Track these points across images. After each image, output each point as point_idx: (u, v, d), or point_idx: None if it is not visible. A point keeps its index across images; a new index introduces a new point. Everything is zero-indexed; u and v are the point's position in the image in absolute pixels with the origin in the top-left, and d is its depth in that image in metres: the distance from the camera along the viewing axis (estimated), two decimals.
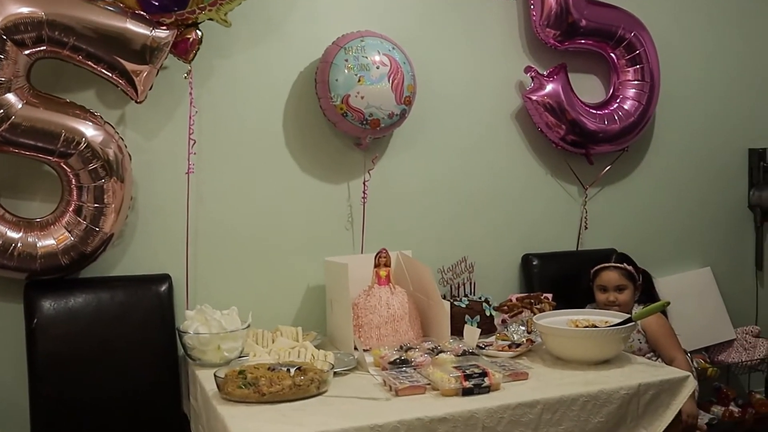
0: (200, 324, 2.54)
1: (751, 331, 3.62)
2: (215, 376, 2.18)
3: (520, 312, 2.85)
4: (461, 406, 2.08)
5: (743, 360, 3.53)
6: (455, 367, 2.26)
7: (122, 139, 2.61)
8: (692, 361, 3.18)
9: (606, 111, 3.31)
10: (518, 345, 2.62)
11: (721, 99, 3.73)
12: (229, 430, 1.93)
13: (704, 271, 3.66)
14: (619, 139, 3.33)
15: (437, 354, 2.47)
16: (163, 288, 2.70)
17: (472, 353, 2.47)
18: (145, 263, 2.76)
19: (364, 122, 2.83)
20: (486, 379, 2.19)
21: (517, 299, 2.94)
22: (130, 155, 2.62)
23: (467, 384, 2.17)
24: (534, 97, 3.19)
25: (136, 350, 2.61)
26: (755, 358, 3.51)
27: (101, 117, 2.56)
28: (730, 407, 3.41)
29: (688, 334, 3.29)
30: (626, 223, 3.55)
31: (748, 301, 3.84)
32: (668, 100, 3.50)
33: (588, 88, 3.40)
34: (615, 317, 2.63)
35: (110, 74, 2.50)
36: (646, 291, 3.14)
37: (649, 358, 2.93)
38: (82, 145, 2.46)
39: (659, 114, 3.50)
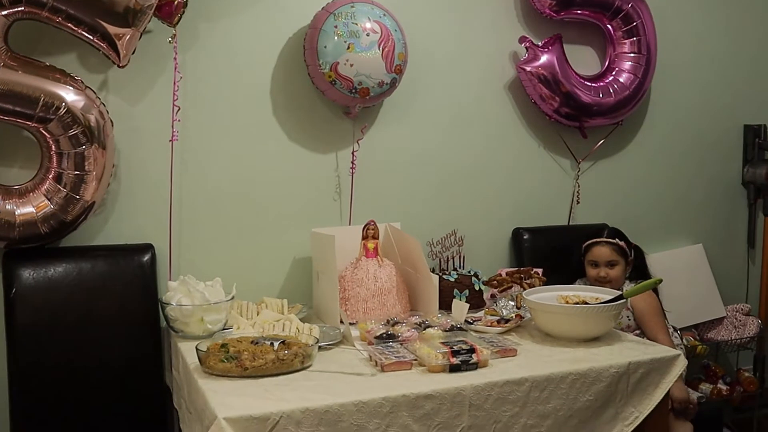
0: (183, 295, 2.48)
1: (741, 309, 3.59)
2: (197, 349, 2.13)
3: (510, 287, 2.81)
4: (448, 383, 2.04)
5: (733, 338, 3.50)
6: (443, 343, 2.22)
7: (104, 105, 2.54)
8: (682, 338, 3.15)
9: (601, 84, 3.25)
10: (507, 320, 2.58)
11: (717, 74, 3.68)
12: (209, 404, 1.88)
13: (696, 248, 3.63)
14: (613, 112, 3.27)
15: (425, 329, 2.42)
16: (146, 258, 2.65)
17: (460, 328, 2.43)
18: (127, 233, 2.70)
19: (353, 91, 2.76)
20: (474, 355, 2.15)
21: (506, 274, 2.90)
22: (112, 121, 2.55)
23: (454, 360, 2.12)
24: (528, 68, 3.12)
25: (117, 321, 2.57)
26: (745, 336, 3.49)
27: (82, 81, 2.49)
28: (719, 385, 3.39)
29: (679, 311, 3.26)
30: (618, 198, 3.50)
31: (739, 279, 3.82)
32: (664, 74, 3.44)
33: (583, 60, 3.33)
34: (605, 294, 2.60)
35: (91, 37, 2.42)
36: (637, 267, 3.10)
37: (637, 335, 2.90)
38: (62, 110, 2.38)
39: (654, 88, 3.44)
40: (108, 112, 2.53)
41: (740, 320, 3.54)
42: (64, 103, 2.38)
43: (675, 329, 3.11)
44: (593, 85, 3.23)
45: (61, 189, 2.45)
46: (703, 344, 3.34)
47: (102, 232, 2.69)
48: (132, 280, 2.61)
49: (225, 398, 1.91)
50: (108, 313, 2.56)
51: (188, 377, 2.20)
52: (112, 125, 2.54)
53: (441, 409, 2.01)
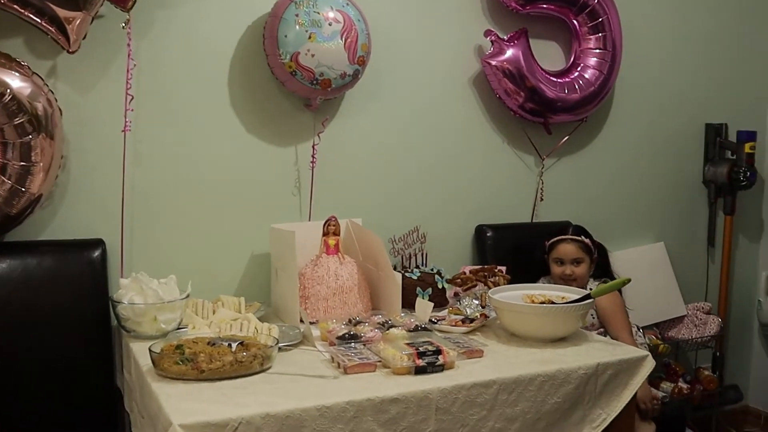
0: (135, 293, 2.37)
1: (702, 308, 3.59)
2: (150, 350, 2.02)
3: (474, 285, 2.75)
4: (414, 386, 1.96)
5: (694, 336, 3.50)
6: (408, 344, 2.15)
7: (52, 93, 2.41)
8: (644, 337, 3.13)
9: (566, 79, 3.20)
10: (472, 320, 2.52)
11: (681, 72, 3.67)
12: (164, 409, 1.78)
13: (658, 246, 3.62)
14: (578, 108, 3.23)
15: (388, 329, 2.34)
16: (96, 254, 2.52)
17: (425, 329, 2.36)
18: (76, 227, 2.57)
19: (315, 82, 2.67)
20: (440, 357, 2.08)
21: (470, 272, 2.84)
22: (61, 110, 2.42)
23: (420, 362, 2.05)
24: (493, 62, 3.06)
25: (65, 320, 2.44)
26: (706, 335, 3.48)
27: (29, 67, 2.35)
28: (679, 383, 3.37)
29: (641, 309, 3.24)
30: (582, 196, 3.46)
31: (699, 278, 3.82)
32: (628, 72, 3.40)
33: (548, 55, 3.28)
34: (572, 293, 2.55)
35: (39, 20, 2.30)
36: (601, 265, 3.07)
37: (600, 334, 2.87)
38: (7, 97, 2.24)
39: (618, 86, 3.41)
40: (57, 100, 2.41)
41: (701, 319, 3.54)
42: (8, 90, 2.24)
43: (638, 328, 3.09)
44: (558, 80, 3.18)
45: (6, 181, 2.31)
46: (665, 343, 3.33)
47: (49, 227, 2.56)
48: (81, 277, 2.49)
49: (180, 403, 1.81)
50: (55, 311, 2.43)
51: (141, 380, 2.09)
52: (61, 114, 2.42)
53: (407, 413, 1.93)
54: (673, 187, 3.72)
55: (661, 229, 3.68)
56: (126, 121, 2.56)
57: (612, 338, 2.81)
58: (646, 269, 3.47)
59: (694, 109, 3.72)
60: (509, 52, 3.07)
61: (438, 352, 2.09)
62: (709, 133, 3.75)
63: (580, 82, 3.20)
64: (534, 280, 3.06)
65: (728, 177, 3.66)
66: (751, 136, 3.62)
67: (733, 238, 3.82)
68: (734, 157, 3.68)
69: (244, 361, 2.00)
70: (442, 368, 2.07)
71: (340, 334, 2.28)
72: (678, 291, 3.58)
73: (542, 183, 3.34)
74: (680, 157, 3.72)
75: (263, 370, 2.05)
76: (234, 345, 2.06)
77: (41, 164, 2.34)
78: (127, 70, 2.54)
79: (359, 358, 2.09)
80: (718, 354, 3.69)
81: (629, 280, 2.38)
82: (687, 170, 3.75)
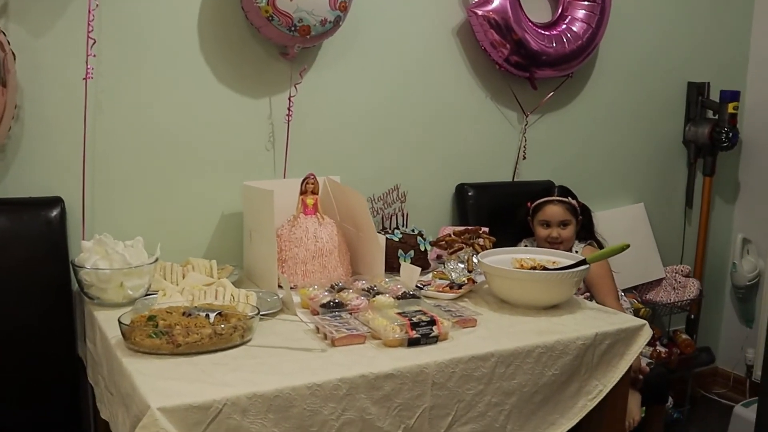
0: (100, 257, 2.17)
1: (681, 271, 3.52)
2: (120, 322, 1.84)
3: (460, 248, 2.61)
4: (409, 360, 1.83)
5: (673, 299, 3.43)
6: (398, 313, 2.00)
7: (4, 34, 2.17)
8: (627, 301, 3.05)
9: (554, 32, 3.05)
10: (459, 285, 2.39)
11: (666, 29, 3.53)
12: (138, 390, 1.61)
13: (638, 207, 3.53)
14: (565, 63, 3.08)
15: (374, 296, 2.20)
16: (54, 213, 2.32)
17: (413, 296, 2.22)
18: (32, 184, 2.35)
19: (293, 28, 2.47)
20: (434, 327, 1.94)
21: (454, 233, 2.70)
22: (14, 54, 2.19)
23: (414, 333, 1.91)
24: (479, 12, 2.89)
25: (21, 286, 2.26)
26: (685, 298, 3.42)
27: None
28: (657, 347, 3.31)
29: (621, 272, 3.14)
30: (563, 154, 3.34)
31: (675, 240, 3.75)
32: (613, 28, 3.24)
33: (536, 6, 3.11)
34: (562, 257, 2.44)
35: None
36: (586, 226, 2.96)
37: (586, 298, 2.77)
38: None
39: (604, 42, 3.25)
40: (9, 43, 2.17)
41: (680, 282, 3.48)
42: None
43: (622, 292, 3.00)
44: (546, 33, 3.03)
45: None
46: (645, 307, 3.25)
47: (2, 183, 2.34)
48: (38, 238, 2.29)
49: (156, 382, 1.64)
50: (10, 276, 2.24)
51: (108, 353, 1.91)
52: (14, 59, 2.18)
53: (402, 390, 1.80)
54: (653, 146, 3.61)
55: (640, 190, 3.59)
56: (87, 68, 2.33)
57: (598, 303, 2.72)
58: (626, 231, 3.36)
59: (676, 66, 3.60)
60: (496, 2, 2.89)
61: (432, 322, 1.95)
62: (691, 92, 3.65)
63: (568, 35, 3.05)
64: (515, 242, 2.95)
65: (710, 137, 3.57)
66: (734, 95, 3.53)
67: (710, 200, 3.75)
68: (716, 117, 3.59)
69: (223, 334, 1.84)
70: (436, 340, 1.94)
71: (324, 301, 2.12)
72: (657, 253, 3.51)
73: (525, 140, 3.20)
74: (662, 115, 3.61)
75: (244, 343, 1.89)
76: (212, 316, 1.89)
77: None
78: (89, 11, 2.30)
79: (347, 329, 1.94)
80: (693, 317, 3.64)
81: (627, 246, 2.26)
82: (668, 129, 3.65)
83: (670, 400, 3.30)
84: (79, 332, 2.36)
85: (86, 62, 2.32)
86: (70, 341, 2.34)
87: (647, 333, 2.21)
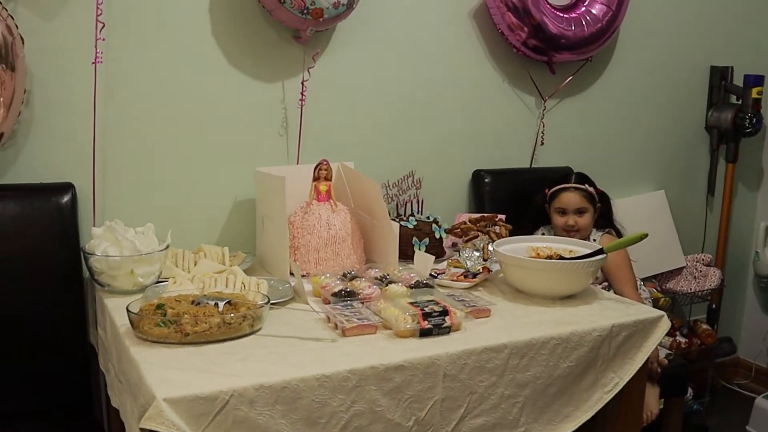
0: (110, 244, 2.15)
1: (702, 260, 3.46)
2: (128, 311, 1.82)
3: (476, 236, 2.56)
4: (420, 351, 1.79)
5: (694, 289, 3.37)
6: (410, 303, 1.97)
7: (12, 18, 2.14)
8: (647, 291, 2.99)
9: (573, 15, 2.97)
10: (474, 274, 2.35)
11: (688, 12, 3.43)
12: (145, 380, 1.59)
13: (658, 194, 3.46)
14: (584, 46, 3.00)
15: (386, 284, 2.16)
16: (65, 200, 2.30)
17: (426, 284, 2.18)
18: (43, 170, 2.33)
19: (305, 11, 2.42)
20: (447, 318, 1.91)
21: (470, 221, 2.65)
22: (23, 38, 2.16)
23: (426, 324, 1.88)
24: None
25: (32, 272, 2.24)
26: (706, 288, 3.35)
27: None
28: (677, 338, 3.26)
29: (640, 260, 3.08)
30: (583, 140, 3.27)
31: (697, 227, 3.68)
32: (633, 10, 3.16)
33: None
34: (579, 246, 2.39)
35: None
36: (604, 214, 2.90)
37: (604, 288, 2.73)
38: None
39: (624, 25, 3.17)
40: (17, 27, 2.14)
41: (701, 271, 3.41)
42: None
43: (641, 281, 2.95)
44: (565, 15, 2.96)
45: None
46: (665, 296, 3.19)
47: (12, 169, 2.31)
48: (49, 225, 2.27)
49: (164, 372, 1.62)
50: (21, 262, 2.22)
51: (117, 342, 1.90)
52: (23, 43, 2.16)
53: (413, 381, 1.77)
54: (675, 132, 3.54)
55: (661, 176, 3.51)
56: (97, 52, 2.30)
57: (616, 293, 2.68)
58: (646, 218, 3.31)
59: (699, 50, 3.51)
60: None
61: (444, 312, 1.92)
62: (714, 77, 3.56)
63: (588, 17, 2.98)
64: (532, 230, 2.90)
65: (733, 123, 3.48)
66: (758, 80, 3.43)
67: (733, 187, 3.67)
68: (740, 102, 3.50)
69: (232, 323, 1.82)
70: (448, 330, 1.91)
71: (336, 290, 2.09)
72: (678, 241, 3.44)
73: (543, 126, 3.14)
74: (683, 101, 3.53)
75: (253, 332, 1.87)
76: (221, 304, 1.86)
77: (1, 99, 2.09)
78: None
79: (358, 319, 1.91)
80: (714, 306, 3.57)
81: (646, 236, 2.21)
82: (690, 115, 3.57)
83: (690, 391, 3.25)
84: (90, 319, 2.34)
85: (95, 46, 2.29)
86: (82, 328, 2.33)
87: (665, 324, 2.16)
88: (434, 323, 1.89)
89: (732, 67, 3.55)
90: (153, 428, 1.51)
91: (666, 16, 3.37)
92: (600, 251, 2.26)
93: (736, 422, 3.50)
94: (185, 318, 1.78)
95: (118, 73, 2.39)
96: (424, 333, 1.88)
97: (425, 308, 1.92)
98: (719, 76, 3.55)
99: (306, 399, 1.65)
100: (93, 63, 2.31)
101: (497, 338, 1.90)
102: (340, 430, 1.70)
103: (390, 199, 2.70)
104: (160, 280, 2.20)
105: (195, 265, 2.34)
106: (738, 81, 3.52)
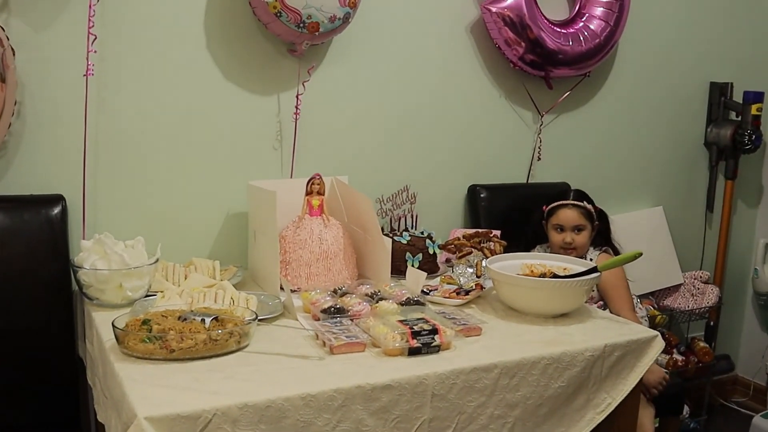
0: (98, 257, 2.14)
1: (700, 277, 3.43)
2: (113, 326, 1.80)
3: (469, 252, 2.54)
4: (408, 371, 1.77)
5: (691, 306, 3.34)
6: (400, 321, 1.94)
7: (3, 30, 2.14)
8: (643, 309, 2.96)
9: (570, 30, 2.96)
10: (467, 291, 2.33)
11: (687, 27, 3.43)
12: (128, 397, 1.57)
13: (656, 211, 3.44)
14: (582, 62, 2.99)
15: (377, 301, 2.14)
16: (55, 212, 2.28)
17: (417, 302, 2.16)
18: (33, 182, 2.32)
19: (301, 25, 2.41)
20: (436, 337, 1.88)
21: (464, 237, 2.63)
22: (13, 50, 2.15)
23: (415, 343, 1.85)
24: (494, 9, 2.81)
25: (21, 285, 2.22)
26: (704, 305, 3.33)
27: None
28: (674, 355, 3.23)
29: (637, 277, 3.06)
30: (580, 156, 3.25)
31: (695, 244, 3.65)
32: (632, 25, 3.16)
33: (552, 4, 3.02)
34: (574, 264, 2.37)
35: None
36: (602, 232, 2.88)
37: (600, 307, 2.70)
38: None
39: (622, 40, 3.16)
40: (8, 38, 2.13)
41: (698, 288, 3.38)
42: None
43: (638, 299, 2.92)
44: (562, 31, 2.95)
45: None
46: (662, 314, 3.17)
47: (2, 181, 2.30)
48: (39, 236, 2.25)
49: (147, 390, 1.60)
50: (10, 274, 2.20)
51: (103, 357, 1.88)
52: (14, 54, 2.15)
53: (400, 401, 1.74)
54: (674, 148, 3.52)
55: (659, 193, 3.49)
56: (88, 64, 2.29)
57: (612, 312, 2.65)
58: (644, 235, 3.29)
59: (698, 66, 3.50)
60: None
61: (434, 331, 1.89)
62: (713, 93, 3.54)
63: (585, 33, 2.97)
64: (529, 246, 2.88)
65: (732, 139, 3.46)
66: (758, 96, 3.42)
67: (732, 204, 3.65)
68: (739, 118, 3.48)
69: (218, 340, 1.80)
70: (438, 349, 1.88)
71: (325, 306, 2.07)
72: (676, 258, 3.42)
73: (540, 141, 3.12)
74: (682, 117, 3.52)
75: (240, 349, 1.85)
76: (208, 320, 1.84)
77: None
78: (90, 6, 2.25)
79: (346, 337, 1.89)
80: (712, 324, 3.54)
81: (640, 254, 2.18)
82: (689, 131, 3.55)
83: (687, 409, 3.22)
84: (79, 332, 2.32)
85: (87, 58, 2.28)
86: (70, 341, 2.31)
87: (659, 345, 2.13)
88: (423, 342, 1.86)
89: (732, 83, 3.54)
90: None
91: (665, 32, 3.36)
92: (594, 269, 2.24)
93: None
94: (171, 334, 1.76)
95: (110, 85, 2.37)
96: (413, 352, 1.85)
97: (414, 326, 1.90)
98: (719, 92, 3.53)
99: (291, 418, 1.62)
100: (84, 75, 2.29)
101: (487, 358, 1.87)
102: None
103: (384, 214, 2.68)
104: (149, 293, 2.18)
105: (185, 278, 2.32)
106: (738, 97, 3.51)
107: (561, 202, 2.79)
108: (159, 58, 2.44)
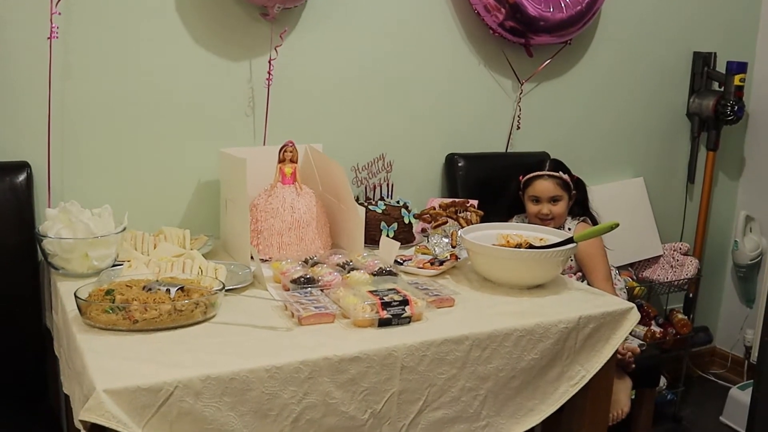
0: (63, 226, 2.08)
1: (680, 248, 3.41)
2: (76, 296, 1.75)
3: (445, 222, 2.50)
4: (377, 343, 1.73)
5: (670, 278, 3.32)
6: (370, 292, 1.91)
7: None
8: (621, 280, 2.94)
9: None
10: (441, 261, 2.29)
11: None
12: (87, 370, 1.53)
13: (637, 181, 3.41)
14: (563, 29, 2.94)
15: (348, 271, 2.10)
16: (20, 179, 2.23)
17: (390, 272, 2.12)
18: None
19: None
20: (407, 308, 1.85)
21: (440, 206, 2.59)
22: None
23: (385, 314, 1.82)
24: None
25: None
26: (683, 277, 3.31)
27: None
28: (652, 327, 3.21)
29: (617, 248, 3.03)
30: (560, 125, 3.21)
31: (675, 216, 3.63)
32: None
33: None
34: (551, 234, 2.33)
35: None
36: (579, 201, 2.84)
37: (578, 278, 2.68)
38: None
39: (605, 7, 3.10)
40: None
41: (678, 260, 3.37)
42: None
43: (616, 270, 2.90)
44: None
45: None
46: (641, 285, 3.15)
47: None
48: (3, 205, 2.20)
49: (108, 361, 1.56)
50: None
51: (67, 328, 1.83)
52: None
53: (368, 373, 1.71)
54: (655, 118, 3.48)
55: (640, 163, 3.46)
56: (52, 27, 2.21)
57: (589, 283, 2.63)
58: (624, 206, 3.26)
59: (682, 35, 3.45)
60: None
61: (405, 302, 1.86)
62: (696, 63, 3.50)
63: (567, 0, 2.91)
64: (507, 216, 2.84)
65: (714, 110, 3.42)
66: (741, 67, 3.38)
67: (713, 176, 3.62)
68: (722, 89, 3.44)
69: (183, 310, 1.75)
70: (408, 320, 1.85)
71: (295, 276, 2.03)
72: (656, 229, 3.40)
73: (519, 110, 3.08)
74: (665, 86, 3.47)
75: (206, 320, 1.81)
76: (173, 290, 1.80)
77: None
78: None
79: (315, 307, 1.85)
80: (690, 296, 3.53)
81: (617, 225, 2.15)
82: (671, 101, 3.51)
83: (664, 380, 3.21)
84: (46, 303, 2.27)
85: (50, 20, 2.20)
86: (37, 312, 2.26)
87: (635, 317, 2.10)
88: (393, 313, 1.83)
89: (715, 53, 3.49)
90: (93, 420, 1.44)
91: (648, 0, 3.31)
92: (570, 240, 2.20)
93: (711, 413, 3.47)
94: (134, 305, 1.72)
95: (75, 49, 2.30)
96: (383, 323, 1.82)
97: (385, 297, 1.86)
98: (702, 62, 3.49)
99: (255, 391, 1.59)
100: (48, 38, 2.22)
101: (459, 329, 1.84)
102: (291, 423, 1.65)
103: (359, 183, 2.64)
104: (117, 263, 2.13)
105: (155, 248, 2.27)
106: (721, 67, 3.46)
107: (537, 173, 2.75)
108: (127, 21, 2.37)
